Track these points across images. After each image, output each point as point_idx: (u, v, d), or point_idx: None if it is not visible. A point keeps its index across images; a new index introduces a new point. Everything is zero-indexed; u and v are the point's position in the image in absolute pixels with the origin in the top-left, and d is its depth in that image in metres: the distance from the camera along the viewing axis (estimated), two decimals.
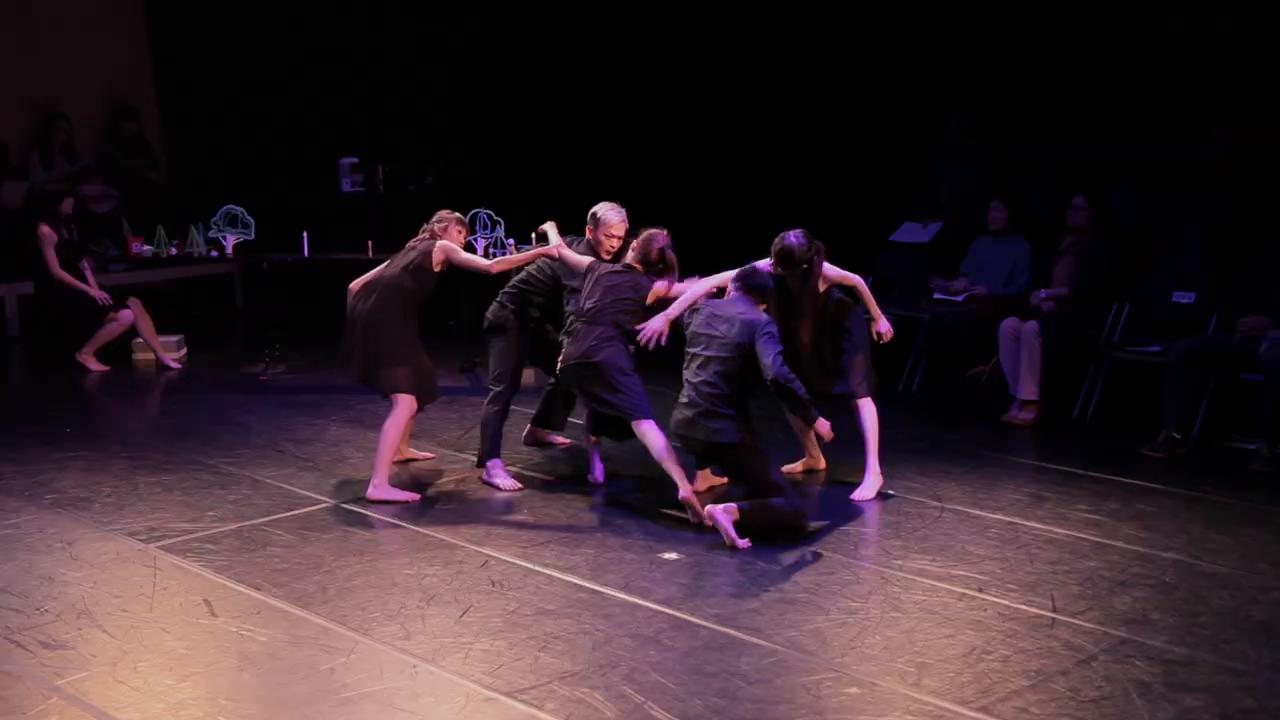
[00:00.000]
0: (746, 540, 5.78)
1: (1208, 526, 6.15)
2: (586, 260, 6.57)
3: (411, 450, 7.22)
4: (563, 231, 6.93)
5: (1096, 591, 5.33)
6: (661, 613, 5.06)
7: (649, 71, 11.28)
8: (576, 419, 7.28)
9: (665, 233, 6.50)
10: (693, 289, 6.31)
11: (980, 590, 5.31)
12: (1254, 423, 7.31)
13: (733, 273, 6.19)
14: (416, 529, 6.04)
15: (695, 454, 6.15)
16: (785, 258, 6.31)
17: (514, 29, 11.99)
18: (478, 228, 9.23)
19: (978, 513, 6.33)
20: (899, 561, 5.62)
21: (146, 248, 9.72)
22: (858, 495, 6.51)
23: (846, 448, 6.68)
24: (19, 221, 10.63)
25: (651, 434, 6.17)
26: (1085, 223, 8.36)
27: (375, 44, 12.33)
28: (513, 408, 6.92)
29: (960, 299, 8.72)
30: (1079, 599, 5.24)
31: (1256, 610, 5.15)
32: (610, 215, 6.76)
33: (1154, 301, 8.39)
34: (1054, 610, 5.11)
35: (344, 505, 6.38)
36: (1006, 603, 5.18)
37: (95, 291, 9.67)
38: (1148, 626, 4.97)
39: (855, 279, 6.59)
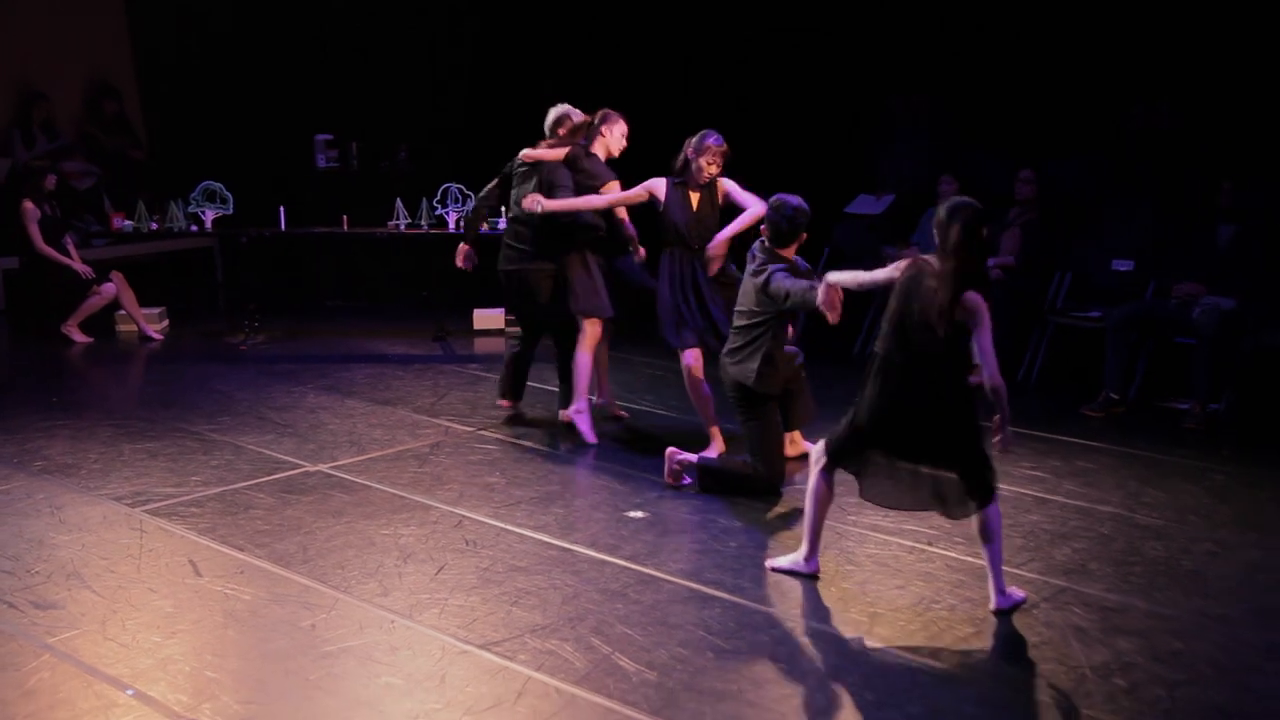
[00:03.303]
0: (687, 479, 6.04)
1: (1143, 482, 6.26)
2: None
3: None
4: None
5: (1038, 543, 5.42)
6: (628, 568, 5.11)
7: (607, 48, 11.28)
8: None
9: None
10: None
11: (930, 544, 5.39)
12: (1187, 384, 7.43)
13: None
14: (393, 491, 6.06)
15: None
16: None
17: (482, 10, 11.97)
18: (449, 201, 9.24)
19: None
20: (853, 518, 5.68)
21: (128, 223, 9.65)
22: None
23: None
24: (2, 198, 10.53)
25: None
26: (1031, 195, 8.44)
27: (349, 23, 12.25)
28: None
29: None
30: (1022, 550, 5.32)
31: (1187, 560, 5.26)
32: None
33: (1095, 270, 8.50)
34: None
35: (323, 469, 6.40)
36: (954, 555, 5.26)
37: (78, 265, 9.61)
38: (1085, 576, 5.06)
39: None
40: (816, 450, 4.97)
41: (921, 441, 4.66)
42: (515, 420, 7.26)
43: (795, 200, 5.76)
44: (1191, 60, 8.83)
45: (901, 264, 4.79)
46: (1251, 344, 7.50)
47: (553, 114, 7.04)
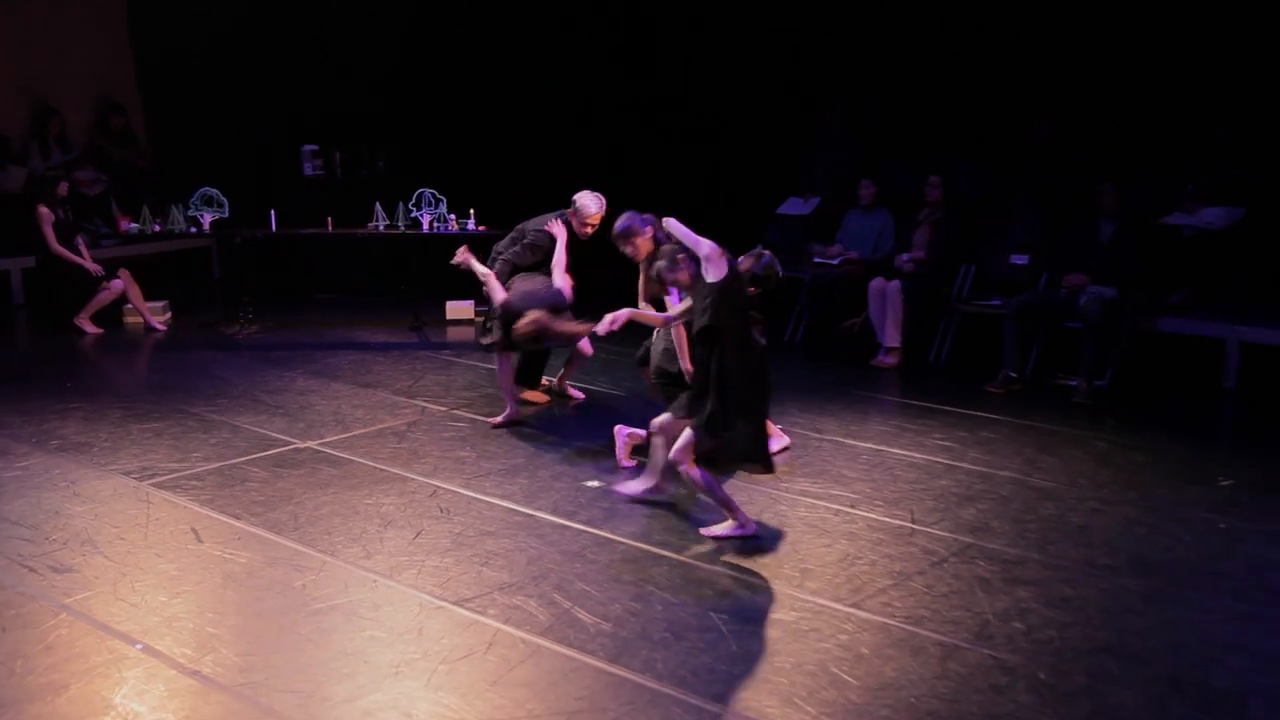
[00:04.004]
0: (633, 461, 5.93)
1: (1038, 449, 6.32)
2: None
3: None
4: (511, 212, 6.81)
5: (947, 505, 5.47)
6: (586, 532, 5.11)
7: (564, 63, 11.23)
8: None
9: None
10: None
11: (853, 506, 5.43)
12: (1075, 363, 7.51)
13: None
14: (374, 465, 6.02)
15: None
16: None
17: (463, 22, 11.89)
18: (423, 205, 9.16)
19: (850, 442, 6.44)
20: (785, 484, 5.71)
21: (133, 225, 9.51)
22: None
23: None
24: (21, 204, 10.36)
25: None
26: (939, 198, 8.48)
27: (333, 42, 12.10)
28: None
29: (836, 262, 8.82)
30: (933, 512, 5.37)
31: (1075, 517, 5.32)
32: (590, 205, 6.68)
33: (995, 263, 8.56)
34: (913, 522, 5.24)
35: (311, 445, 6.35)
36: (874, 516, 5.30)
37: (89, 264, 9.47)
38: (988, 533, 5.11)
39: None
40: (682, 447, 4.91)
41: (764, 401, 4.97)
42: (486, 400, 7.22)
43: (768, 258, 5.59)
44: (1077, 77, 8.94)
45: (721, 254, 4.81)
46: (1130, 327, 7.62)
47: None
